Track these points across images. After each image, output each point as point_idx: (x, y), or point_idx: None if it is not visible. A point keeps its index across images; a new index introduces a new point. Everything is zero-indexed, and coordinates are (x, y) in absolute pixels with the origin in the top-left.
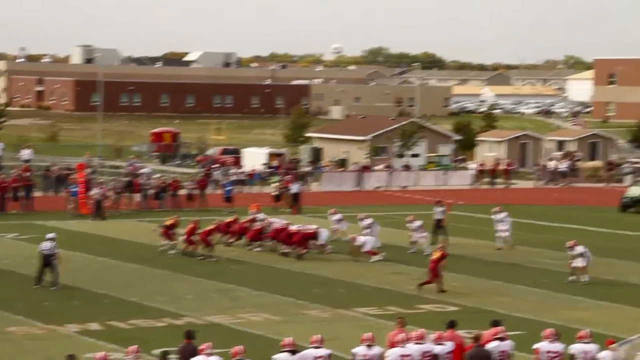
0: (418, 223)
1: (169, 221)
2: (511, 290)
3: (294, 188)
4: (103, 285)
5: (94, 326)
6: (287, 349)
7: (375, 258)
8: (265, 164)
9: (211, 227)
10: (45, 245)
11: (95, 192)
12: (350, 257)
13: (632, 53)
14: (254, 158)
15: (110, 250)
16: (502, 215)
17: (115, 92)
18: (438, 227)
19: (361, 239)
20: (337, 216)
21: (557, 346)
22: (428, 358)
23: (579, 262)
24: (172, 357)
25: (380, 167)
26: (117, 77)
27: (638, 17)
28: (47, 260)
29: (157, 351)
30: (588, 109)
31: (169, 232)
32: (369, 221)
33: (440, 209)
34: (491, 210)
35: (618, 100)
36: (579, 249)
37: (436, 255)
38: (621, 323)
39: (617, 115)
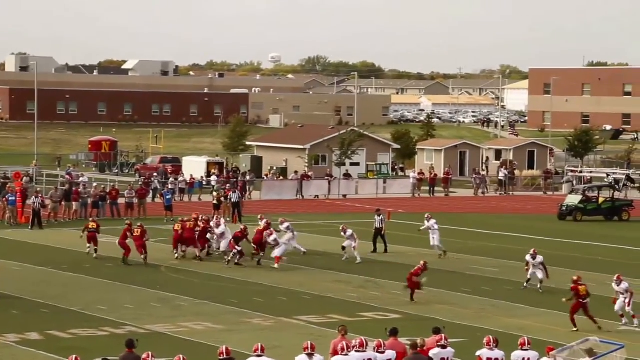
0: (349, 232)
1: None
2: (452, 298)
3: (234, 197)
4: (42, 295)
5: (34, 336)
6: (223, 357)
7: (276, 266)
8: (212, 174)
9: (138, 233)
10: None
11: (33, 201)
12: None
13: (566, 63)
14: (193, 167)
15: (49, 259)
16: (433, 221)
17: (51, 100)
18: (378, 235)
19: (273, 237)
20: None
21: (497, 353)
22: None
23: (540, 274)
24: None
25: (309, 174)
26: (53, 86)
27: (574, 27)
28: None
29: None
30: (525, 118)
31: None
32: (286, 225)
33: (380, 217)
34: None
35: (553, 109)
36: (540, 258)
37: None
38: (560, 330)
39: (553, 124)
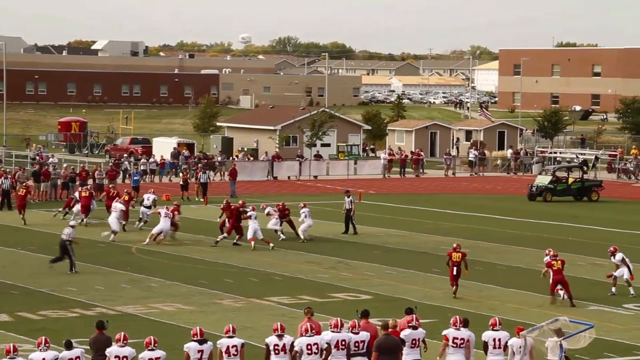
0: (268, 209)
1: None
2: (422, 279)
3: (203, 177)
4: (12, 276)
5: (3, 317)
6: (196, 339)
7: (252, 244)
8: (180, 154)
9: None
10: None
11: (1, 182)
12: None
13: (536, 44)
14: (164, 148)
15: (19, 240)
16: (306, 209)
17: (20, 80)
18: (348, 216)
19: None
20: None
21: (464, 333)
22: (343, 347)
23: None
24: (76, 346)
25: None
26: (22, 66)
27: (543, 7)
28: None
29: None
30: (495, 99)
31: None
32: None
33: (349, 199)
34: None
35: (523, 90)
36: (620, 255)
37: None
38: (530, 310)
39: (522, 105)
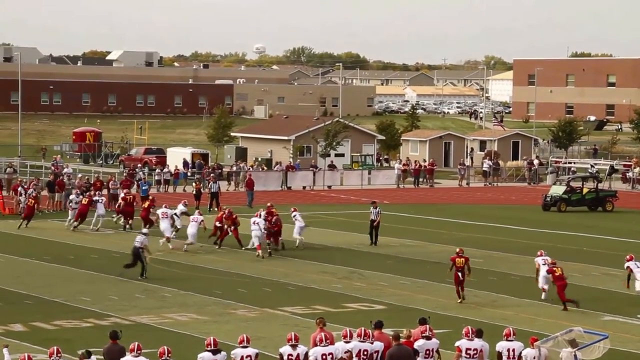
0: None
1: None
2: (436, 289)
3: (214, 187)
4: (26, 286)
5: (17, 327)
6: (210, 349)
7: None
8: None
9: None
10: None
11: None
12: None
13: (551, 54)
14: (178, 158)
15: (33, 250)
16: (296, 213)
17: (35, 91)
18: (372, 227)
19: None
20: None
21: (477, 343)
22: (365, 356)
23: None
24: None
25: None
26: (37, 76)
27: (558, 17)
28: None
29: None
30: (509, 109)
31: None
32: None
33: (376, 210)
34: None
35: (537, 100)
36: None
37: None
38: (544, 320)
39: (537, 115)
